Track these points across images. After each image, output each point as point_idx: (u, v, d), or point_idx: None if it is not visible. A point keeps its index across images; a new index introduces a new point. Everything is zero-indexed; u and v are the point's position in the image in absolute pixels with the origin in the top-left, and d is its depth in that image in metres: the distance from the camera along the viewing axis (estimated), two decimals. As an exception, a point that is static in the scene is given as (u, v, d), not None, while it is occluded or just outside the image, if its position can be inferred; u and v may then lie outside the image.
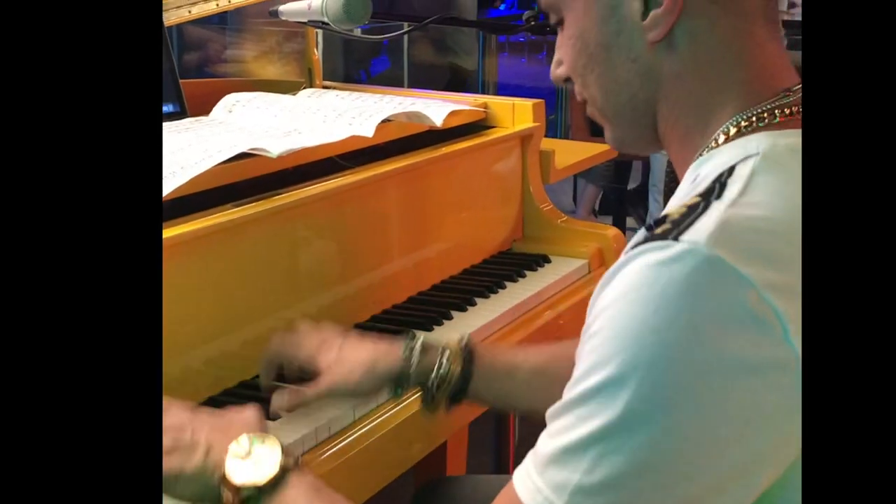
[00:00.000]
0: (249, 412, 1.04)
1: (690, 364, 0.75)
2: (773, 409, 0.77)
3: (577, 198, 5.02)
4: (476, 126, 1.91)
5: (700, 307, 0.75)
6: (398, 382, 1.22)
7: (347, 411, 1.26)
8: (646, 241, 0.79)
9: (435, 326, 1.54)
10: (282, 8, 1.85)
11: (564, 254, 1.88)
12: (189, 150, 1.33)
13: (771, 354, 0.76)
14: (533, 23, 1.84)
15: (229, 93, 1.71)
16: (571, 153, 2.20)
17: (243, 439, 0.97)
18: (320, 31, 2.03)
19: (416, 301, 1.65)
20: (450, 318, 1.57)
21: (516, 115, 1.93)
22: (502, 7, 8.26)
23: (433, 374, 1.21)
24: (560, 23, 0.97)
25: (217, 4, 1.86)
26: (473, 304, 1.63)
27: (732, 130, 0.89)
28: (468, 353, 1.22)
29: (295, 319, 1.42)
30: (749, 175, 0.82)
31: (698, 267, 0.75)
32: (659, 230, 0.80)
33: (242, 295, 1.34)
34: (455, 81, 5.68)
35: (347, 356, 1.22)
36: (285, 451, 0.97)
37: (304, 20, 1.77)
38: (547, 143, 2.00)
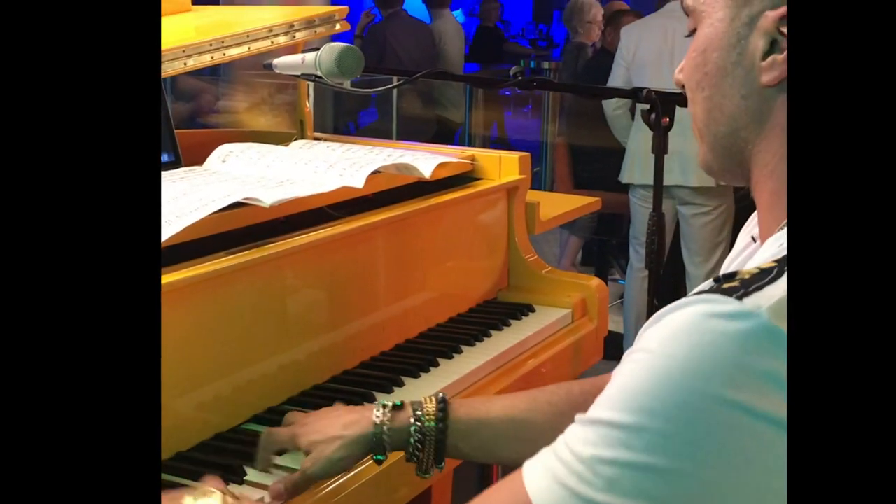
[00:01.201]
0: (208, 482, 1.08)
1: (722, 415, 0.76)
2: None
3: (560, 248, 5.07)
4: (464, 178, 1.95)
5: (746, 366, 0.76)
6: (375, 447, 1.19)
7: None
8: (710, 291, 0.80)
9: (422, 373, 1.56)
10: (276, 61, 1.89)
11: (548, 303, 1.92)
12: (184, 200, 1.37)
13: None
14: (519, 78, 1.89)
15: (223, 143, 1.75)
16: (556, 205, 2.24)
17: (186, 500, 1.02)
18: (311, 84, 2.08)
19: (403, 348, 1.68)
20: (436, 364, 1.60)
21: (503, 167, 1.97)
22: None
23: (411, 433, 1.18)
24: (694, 31, 0.97)
25: (212, 57, 1.90)
26: (459, 351, 1.66)
27: None
28: (442, 409, 1.19)
29: (283, 366, 1.45)
30: None
31: (754, 331, 0.76)
32: (726, 285, 0.80)
33: (234, 341, 1.37)
34: (442, 133, 5.75)
35: (322, 431, 1.20)
36: (227, 495, 1.03)
37: (298, 73, 1.81)
38: (533, 196, 2.05)
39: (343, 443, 1.18)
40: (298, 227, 1.52)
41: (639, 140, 3.70)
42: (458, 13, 11.38)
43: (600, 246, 4.99)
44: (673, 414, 0.77)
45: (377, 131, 6.00)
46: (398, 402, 1.21)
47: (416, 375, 1.55)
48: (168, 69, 1.79)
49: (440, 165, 1.79)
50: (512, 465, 1.11)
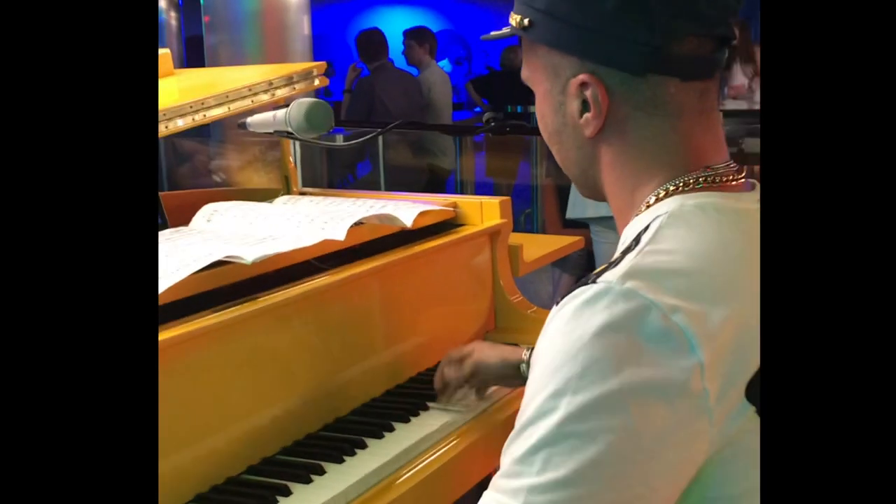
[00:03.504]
0: None
1: (614, 379, 0.89)
2: (688, 412, 0.90)
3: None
4: (447, 224, 1.98)
5: (618, 333, 0.90)
6: (518, 376, 1.56)
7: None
8: (572, 290, 0.96)
9: (412, 418, 1.59)
10: (249, 120, 1.91)
11: (535, 343, 1.93)
12: (166, 261, 1.40)
13: (682, 365, 0.89)
14: (493, 124, 1.92)
15: (209, 202, 1.79)
16: (540, 246, 2.27)
17: None
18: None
19: (393, 394, 1.70)
20: (426, 409, 1.62)
21: (484, 212, 2.01)
22: (478, 109, 8.43)
23: None
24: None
25: (193, 119, 1.94)
26: (448, 394, 1.68)
27: (652, 199, 1.05)
28: None
29: (276, 417, 1.48)
30: (657, 229, 0.99)
31: (613, 301, 0.91)
32: (582, 281, 0.96)
33: (226, 395, 1.40)
34: (434, 181, 5.79)
35: (487, 350, 1.62)
36: None
37: (271, 130, 1.83)
38: (516, 238, 2.08)
39: (502, 360, 1.60)
40: (286, 280, 1.55)
41: None
42: (444, 63, 11.49)
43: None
44: (575, 388, 0.89)
45: (371, 183, 6.05)
46: None
47: (406, 420, 1.58)
48: (151, 134, 1.83)
49: (422, 214, 1.82)
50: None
